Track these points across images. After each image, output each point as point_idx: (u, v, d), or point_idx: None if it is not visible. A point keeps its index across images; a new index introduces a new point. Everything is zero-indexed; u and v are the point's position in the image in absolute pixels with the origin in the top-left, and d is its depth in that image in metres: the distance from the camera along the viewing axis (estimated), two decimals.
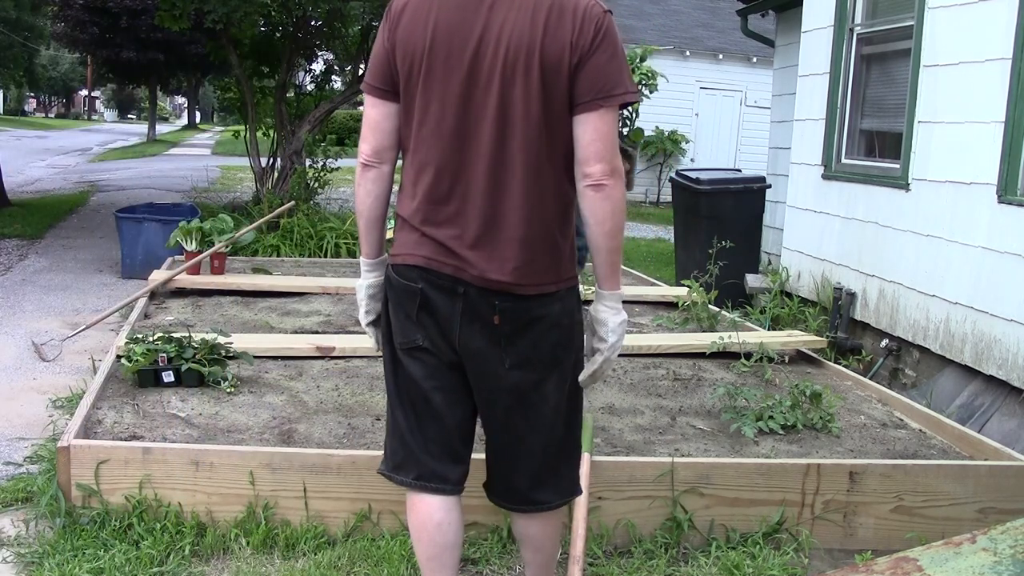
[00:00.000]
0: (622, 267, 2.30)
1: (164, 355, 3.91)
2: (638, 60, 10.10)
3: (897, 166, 5.48)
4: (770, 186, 7.67)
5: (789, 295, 6.53)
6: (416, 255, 2.15)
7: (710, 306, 5.62)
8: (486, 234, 2.10)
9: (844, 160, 6.18)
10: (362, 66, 10.61)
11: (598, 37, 2.04)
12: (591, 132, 2.06)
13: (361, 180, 2.24)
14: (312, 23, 10.48)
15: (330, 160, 9.88)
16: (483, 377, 2.20)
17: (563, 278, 2.18)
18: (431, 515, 2.26)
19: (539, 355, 2.18)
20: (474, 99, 2.07)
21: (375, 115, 2.20)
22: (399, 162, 2.27)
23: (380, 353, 2.37)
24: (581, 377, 2.25)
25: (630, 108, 9.12)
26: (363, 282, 2.35)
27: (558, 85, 2.04)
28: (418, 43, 2.09)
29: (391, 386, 2.32)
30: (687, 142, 17.11)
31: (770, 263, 7.72)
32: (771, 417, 3.77)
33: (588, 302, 2.21)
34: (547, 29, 2.03)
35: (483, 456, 2.37)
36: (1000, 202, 4.53)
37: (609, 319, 2.18)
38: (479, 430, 2.36)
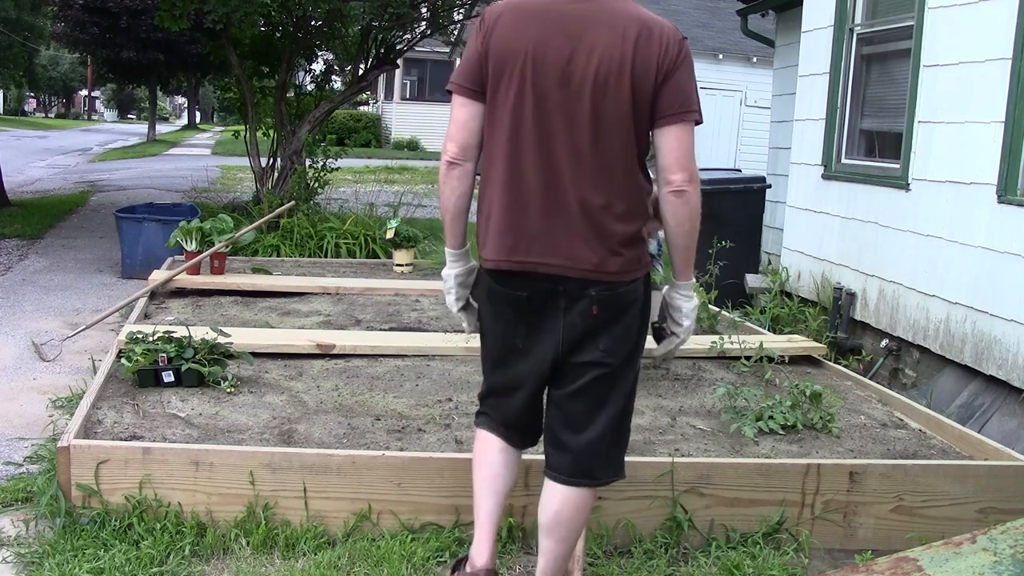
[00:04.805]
0: None
1: (164, 355, 3.91)
2: None
3: (897, 166, 5.48)
4: (770, 186, 7.67)
5: (789, 295, 6.53)
6: (512, 260, 2.34)
7: (710, 306, 5.62)
8: (587, 232, 2.29)
9: (844, 160, 6.18)
10: (362, 66, 10.60)
11: (679, 58, 2.29)
12: (673, 142, 2.29)
13: (446, 178, 2.40)
14: (312, 23, 10.46)
15: (330, 160, 9.87)
16: (576, 356, 2.37)
17: (644, 264, 2.41)
18: (495, 446, 2.55)
19: (627, 337, 2.40)
20: (567, 106, 2.26)
21: (464, 114, 2.36)
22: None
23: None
24: (657, 352, 2.54)
25: None
26: (451, 271, 2.53)
27: (644, 97, 2.27)
28: (515, 51, 2.28)
29: (485, 355, 2.57)
30: None
31: (770, 263, 7.72)
32: (771, 417, 3.77)
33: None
34: (637, 47, 2.26)
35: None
36: (1000, 202, 4.54)
37: (683, 305, 2.47)
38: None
